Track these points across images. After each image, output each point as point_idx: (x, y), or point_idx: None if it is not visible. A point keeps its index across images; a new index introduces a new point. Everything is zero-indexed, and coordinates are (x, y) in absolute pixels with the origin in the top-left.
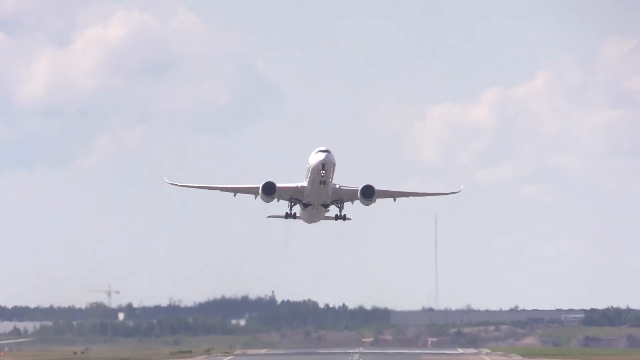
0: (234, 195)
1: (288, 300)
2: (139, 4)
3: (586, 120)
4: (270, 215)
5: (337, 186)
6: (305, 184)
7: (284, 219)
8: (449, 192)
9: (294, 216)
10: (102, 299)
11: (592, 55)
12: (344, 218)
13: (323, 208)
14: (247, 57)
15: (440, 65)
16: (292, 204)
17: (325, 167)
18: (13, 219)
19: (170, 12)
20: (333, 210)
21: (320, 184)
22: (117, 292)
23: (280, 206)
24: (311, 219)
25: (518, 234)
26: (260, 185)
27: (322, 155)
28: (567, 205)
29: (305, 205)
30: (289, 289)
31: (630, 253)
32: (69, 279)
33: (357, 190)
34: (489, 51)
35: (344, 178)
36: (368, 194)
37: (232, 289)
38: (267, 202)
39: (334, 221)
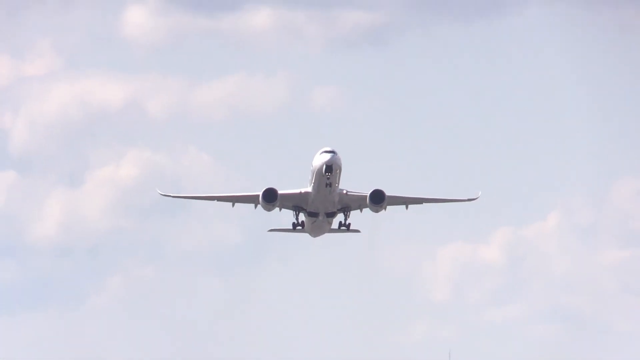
0: (232, 205)
1: None
2: (150, 144)
3: (597, 260)
4: (272, 229)
5: (345, 192)
6: (309, 189)
7: (287, 233)
8: (465, 198)
9: (302, 225)
10: None
11: (604, 196)
12: (349, 227)
13: (328, 219)
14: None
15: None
16: (297, 212)
17: (331, 169)
18: None
19: (182, 151)
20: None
21: (326, 187)
22: None
23: (282, 218)
24: (316, 231)
25: None
26: (261, 192)
27: (327, 156)
28: (579, 345)
29: (310, 215)
30: None
31: None
32: None
33: (366, 196)
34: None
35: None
36: (378, 199)
37: None
38: (269, 210)
39: (340, 234)
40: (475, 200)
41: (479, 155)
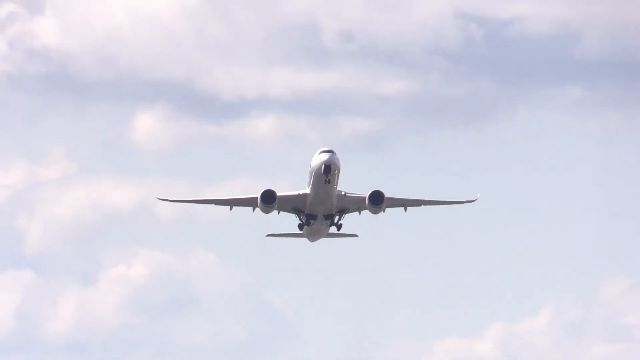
0: (230, 209)
1: None
2: (160, 245)
3: (586, 354)
4: (270, 234)
5: (343, 193)
6: (307, 191)
7: (285, 238)
8: (464, 200)
9: (309, 224)
10: None
11: (591, 293)
12: (339, 227)
13: (327, 221)
14: (262, 295)
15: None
16: (297, 215)
17: (330, 169)
18: None
19: (189, 252)
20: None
21: (325, 188)
22: None
23: (279, 223)
24: (314, 235)
25: None
26: (259, 195)
27: (325, 156)
28: None
29: (308, 218)
30: None
31: None
32: None
33: (365, 197)
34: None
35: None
36: (377, 200)
37: None
38: (267, 212)
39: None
40: (473, 202)
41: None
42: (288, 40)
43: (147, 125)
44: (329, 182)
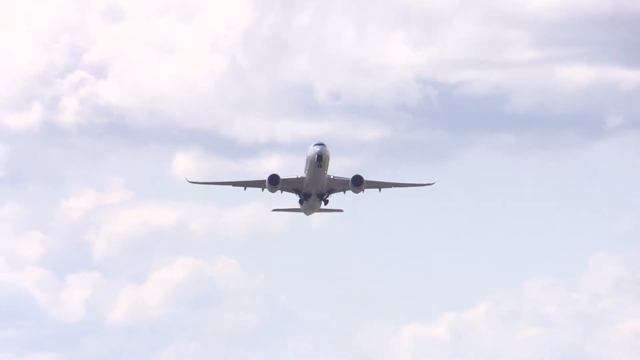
0: (244, 189)
1: None
2: (193, 254)
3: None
4: (275, 208)
5: (332, 177)
6: (304, 175)
7: (287, 213)
8: (424, 183)
9: (307, 199)
10: None
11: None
12: (326, 202)
13: (319, 199)
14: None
15: None
16: (297, 194)
17: (321, 158)
18: None
19: (218, 259)
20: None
21: (317, 173)
22: None
23: (283, 200)
24: (309, 210)
25: None
26: (267, 178)
27: (318, 148)
28: None
29: (304, 196)
30: None
31: None
32: None
33: (349, 180)
34: None
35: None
36: (358, 182)
37: None
38: (273, 192)
39: (326, 213)
40: (432, 185)
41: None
42: (290, 98)
43: (184, 163)
44: (320, 168)
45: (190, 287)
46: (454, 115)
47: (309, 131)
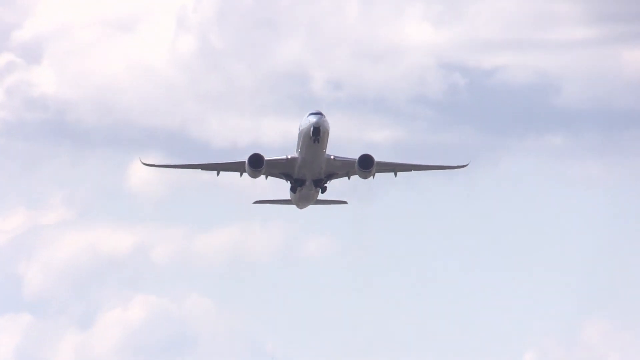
0: (217, 174)
1: None
2: (155, 290)
3: None
4: (257, 200)
5: (332, 157)
6: (296, 155)
7: (272, 205)
8: (455, 165)
9: (301, 186)
10: None
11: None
12: (324, 190)
13: (315, 187)
14: (255, 338)
15: None
16: (288, 180)
17: (319, 131)
18: None
19: (185, 296)
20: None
21: (314, 151)
22: None
23: (267, 191)
24: (303, 201)
25: None
26: (247, 159)
27: (314, 118)
28: None
29: (297, 183)
30: None
31: None
32: None
33: (355, 161)
34: None
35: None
36: (366, 164)
37: None
38: (255, 177)
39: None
40: (465, 167)
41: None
42: (279, 89)
43: (142, 171)
44: (317, 144)
45: (151, 331)
46: (488, 110)
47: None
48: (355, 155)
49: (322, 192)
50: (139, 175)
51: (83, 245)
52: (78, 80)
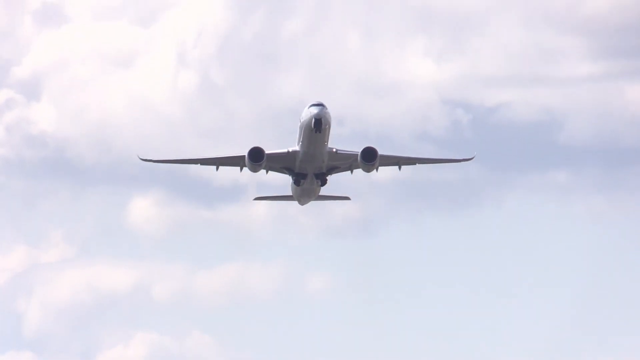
0: (217, 169)
1: None
2: (156, 327)
3: None
4: (258, 197)
5: (334, 150)
6: (297, 148)
7: (273, 202)
8: (461, 158)
9: (299, 183)
10: None
11: None
12: (324, 182)
13: (317, 181)
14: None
15: None
16: (289, 174)
17: (320, 123)
18: None
19: (185, 334)
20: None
21: (315, 145)
22: None
23: (267, 187)
24: (304, 196)
25: None
26: (247, 152)
27: (315, 110)
28: None
29: (298, 177)
30: None
31: None
32: None
33: (357, 154)
34: None
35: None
36: (370, 157)
37: None
38: (255, 171)
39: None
40: (470, 161)
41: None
42: (279, 125)
43: (142, 209)
44: (319, 136)
45: None
46: (491, 146)
47: None
48: (358, 148)
49: (322, 185)
50: (139, 212)
51: (83, 283)
52: (77, 117)
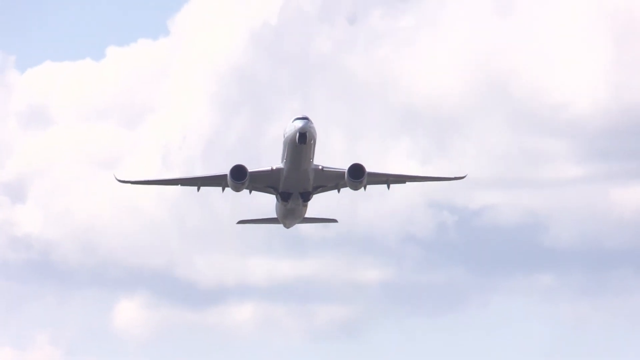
0: (198, 189)
1: None
2: None
3: None
4: (242, 220)
5: (320, 167)
6: (281, 165)
7: (256, 225)
8: (452, 177)
9: (287, 200)
10: None
11: None
12: (307, 199)
13: (303, 202)
14: None
15: None
16: (274, 193)
17: (305, 137)
18: None
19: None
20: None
21: (300, 161)
22: None
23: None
24: (290, 218)
25: None
26: (229, 171)
27: (300, 124)
28: None
29: (282, 197)
30: None
31: None
32: None
33: (344, 172)
34: None
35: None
36: (357, 174)
37: None
38: (237, 190)
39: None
40: (462, 179)
41: None
42: (263, 233)
43: (128, 311)
44: (304, 151)
45: None
46: (476, 249)
47: (290, 271)
48: (342, 165)
49: (305, 201)
50: (125, 315)
51: None
52: (62, 220)
